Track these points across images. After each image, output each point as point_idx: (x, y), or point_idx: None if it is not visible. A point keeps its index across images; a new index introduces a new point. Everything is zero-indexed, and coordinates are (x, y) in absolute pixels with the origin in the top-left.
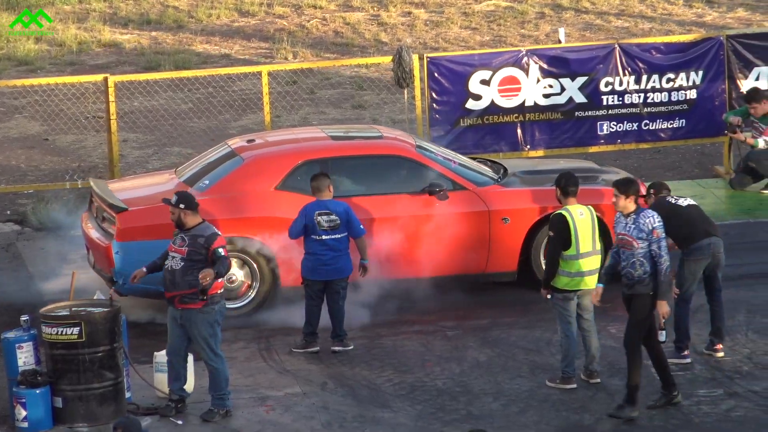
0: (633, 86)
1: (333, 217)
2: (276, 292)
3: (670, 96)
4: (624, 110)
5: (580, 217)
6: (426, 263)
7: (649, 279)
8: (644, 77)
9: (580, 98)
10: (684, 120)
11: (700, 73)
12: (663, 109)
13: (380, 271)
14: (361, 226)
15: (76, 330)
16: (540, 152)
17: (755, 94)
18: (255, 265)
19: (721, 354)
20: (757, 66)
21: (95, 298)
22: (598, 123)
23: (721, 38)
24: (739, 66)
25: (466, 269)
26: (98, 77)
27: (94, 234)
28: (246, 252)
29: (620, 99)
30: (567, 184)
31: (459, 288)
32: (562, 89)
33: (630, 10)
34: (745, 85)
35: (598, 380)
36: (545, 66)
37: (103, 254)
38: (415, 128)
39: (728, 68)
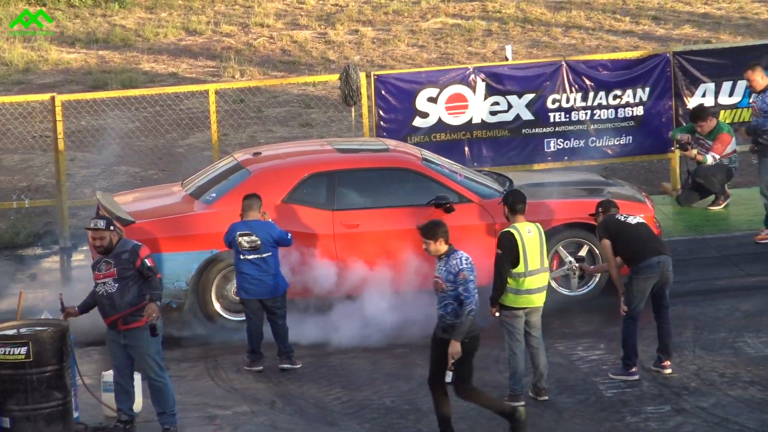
0: (580, 103)
1: (253, 237)
2: None
3: (617, 113)
4: (571, 127)
5: (528, 235)
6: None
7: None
8: (591, 94)
9: (527, 115)
10: (631, 137)
11: (647, 89)
12: (610, 125)
13: (385, 284)
14: (289, 236)
15: (23, 350)
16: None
17: (701, 113)
18: None
19: (668, 370)
20: (704, 82)
21: (43, 317)
22: (545, 140)
23: (668, 55)
24: (686, 82)
25: None
26: (45, 96)
27: None
28: None
29: (567, 116)
30: (515, 202)
31: (412, 304)
32: (509, 106)
33: (577, 28)
34: (692, 101)
35: (546, 397)
36: (492, 83)
37: None
38: None
39: (675, 85)
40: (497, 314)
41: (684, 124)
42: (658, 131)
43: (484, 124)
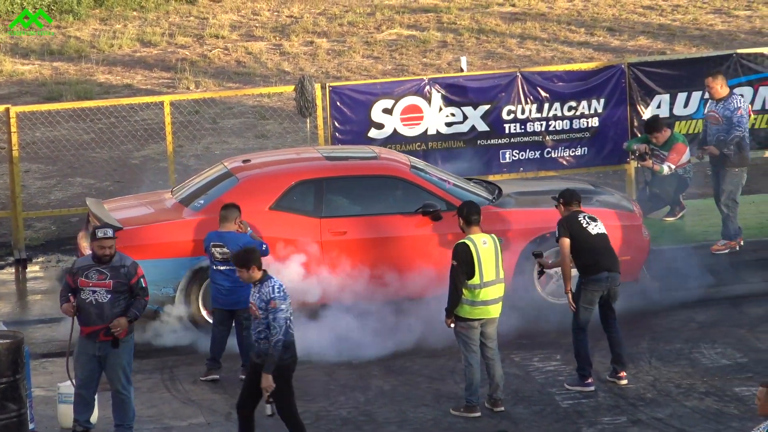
0: (535, 114)
1: (224, 249)
2: None
3: (572, 124)
4: (526, 138)
5: (484, 246)
6: (419, 284)
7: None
8: (546, 105)
9: (482, 126)
10: (586, 148)
11: (602, 101)
12: (565, 136)
13: (374, 292)
14: (264, 248)
15: None
16: None
17: (655, 124)
18: None
19: (624, 381)
20: (659, 93)
21: None
22: (501, 151)
23: (623, 66)
24: (641, 94)
25: None
26: (0, 108)
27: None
28: None
29: (522, 127)
30: (469, 213)
31: (371, 314)
32: (465, 118)
33: (532, 39)
34: (647, 112)
35: (502, 408)
36: (447, 94)
37: None
38: None
39: (630, 96)
40: (452, 325)
41: (639, 135)
42: (613, 142)
43: (439, 135)
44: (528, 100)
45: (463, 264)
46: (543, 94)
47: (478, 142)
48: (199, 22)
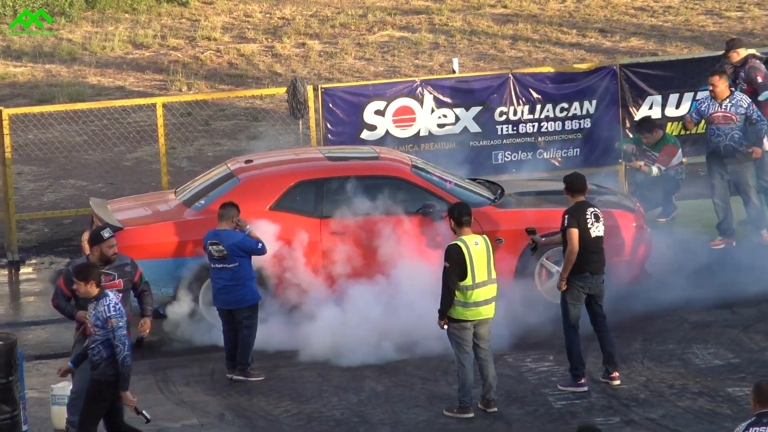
0: (527, 116)
1: (220, 247)
2: None
3: (564, 125)
4: (518, 140)
5: (476, 247)
6: (419, 284)
7: (105, 365)
8: (538, 107)
9: (474, 128)
10: (578, 149)
11: (594, 102)
12: (557, 138)
13: (372, 292)
14: (259, 246)
15: None
16: None
17: (647, 124)
18: None
19: (617, 382)
20: (650, 94)
21: None
22: (493, 152)
23: (615, 67)
24: (633, 95)
25: None
26: None
27: None
28: None
29: (514, 128)
30: (460, 214)
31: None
32: (457, 119)
33: (524, 40)
34: (639, 113)
35: (495, 409)
36: (439, 96)
37: None
38: None
39: (622, 97)
40: (445, 327)
41: (631, 136)
42: (605, 143)
43: (431, 137)
44: (520, 101)
45: (456, 265)
46: (535, 95)
47: (470, 143)
48: (191, 24)
